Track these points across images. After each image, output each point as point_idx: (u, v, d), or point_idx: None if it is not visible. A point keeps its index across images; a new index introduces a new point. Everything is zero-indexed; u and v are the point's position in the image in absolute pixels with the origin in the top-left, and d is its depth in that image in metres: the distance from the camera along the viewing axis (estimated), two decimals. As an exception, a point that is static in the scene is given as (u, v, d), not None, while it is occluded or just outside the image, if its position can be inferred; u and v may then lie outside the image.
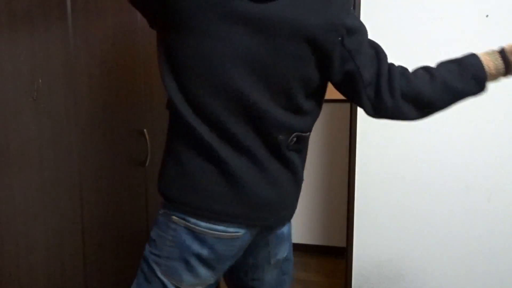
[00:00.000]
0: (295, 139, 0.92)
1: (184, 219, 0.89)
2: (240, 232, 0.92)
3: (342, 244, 2.77)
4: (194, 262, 0.91)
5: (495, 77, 0.93)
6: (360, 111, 1.80)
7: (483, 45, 1.64)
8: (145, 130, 1.46)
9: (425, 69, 0.94)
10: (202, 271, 0.92)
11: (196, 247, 0.90)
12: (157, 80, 1.59)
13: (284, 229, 1.06)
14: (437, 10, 1.67)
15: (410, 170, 1.78)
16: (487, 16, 1.63)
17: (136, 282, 0.98)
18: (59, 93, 1.07)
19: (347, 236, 1.90)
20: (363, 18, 1.71)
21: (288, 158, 0.93)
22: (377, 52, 0.93)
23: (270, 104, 0.87)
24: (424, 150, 1.75)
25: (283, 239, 1.07)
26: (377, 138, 1.79)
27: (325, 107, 2.78)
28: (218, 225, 0.89)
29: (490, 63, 0.92)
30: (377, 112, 0.93)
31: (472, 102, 1.69)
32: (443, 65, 0.94)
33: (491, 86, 1.73)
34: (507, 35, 1.63)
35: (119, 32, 1.33)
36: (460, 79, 0.91)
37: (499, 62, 0.92)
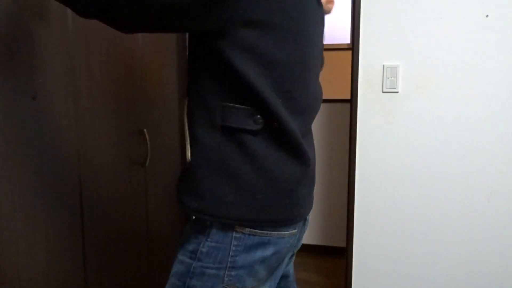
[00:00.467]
0: None
1: (250, 227, 0.85)
2: (297, 228, 0.92)
3: (342, 244, 2.77)
4: (258, 266, 0.88)
5: None
6: (360, 111, 1.80)
7: (483, 45, 1.65)
8: (145, 130, 1.46)
9: None
10: (263, 273, 0.90)
11: (261, 251, 0.87)
12: (157, 80, 1.59)
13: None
14: (437, 10, 1.67)
15: (410, 170, 1.78)
16: (487, 16, 1.63)
17: None
18: (59, 93, 1.07)
19: (347, 236, 1.90)
20: (363, 17, 1.71)
21: None
22: None
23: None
24: (424, 150, 1.75)
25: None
26: (377, 138, 1.79)
27: (325, 107, 2.79)
28: (284, 226, 0.88)
29: None
30: None
31: (472, 103, 1.69)
32: None
33: (492, 84, 1.73)
34: (507, 35, 1.63)
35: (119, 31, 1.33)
36: None
37: None
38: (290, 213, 0.89)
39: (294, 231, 0.91)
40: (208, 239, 0.86)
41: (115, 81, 1.32)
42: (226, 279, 0.87)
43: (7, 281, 0.93)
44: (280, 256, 0.91)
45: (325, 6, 1.03)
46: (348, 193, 1.87)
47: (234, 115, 0.82)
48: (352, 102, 1.81)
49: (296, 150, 0.87)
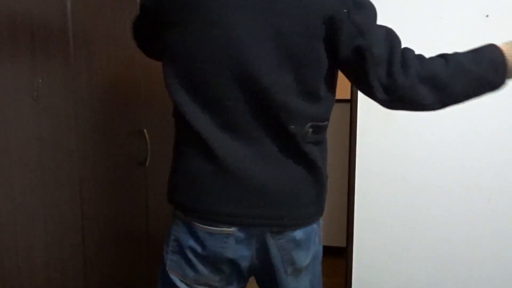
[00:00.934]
0: (311, 129, 0.88)
1: (175, 207, 0.96)
2: (232, 229, 0.89)
3: (342, 244, 2.77)
4: (192, 257, 0.92)
5: None
6: (360, 111, 1.79)
7: (483, 45, 1.65)
8: (145, 130, 1.46)
9: (440, 55, 0.89)
10: (201, 267, 0.92)
11: (192, 242, 0.91)
12: (157, 80, 1.59)
13: (297, 233, 0.93)
14: (437, 10, 1.67)
15: (410, 170, 1.77)
16: (487, 16, 1.63)
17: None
18: (59, 93, 1.07)
19: (347, 236, 1.90)
20: (363, 18, 1.71)
21: (304, 151, 0.89)
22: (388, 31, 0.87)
23: (283, 91, 0.85)
24: (424, 150, 1.75)
25: (297, 244, 0.95)
26: (377, 138, 1.79)
27: (325, 107, 2.78)
28: (208, 222, 0.90)
29: (510, 50, 0.87)
30: (390, 94, 0.85)
31: (472, 102, 1.68)
32: (459, 53, 0.89)
33: (491, 86, 1.72)
34: (507, 35, 1.63)
35: (119, 31, 1.33)
36: (476, 63, 0.86)
37: None
38: (206, 205, 0.89)
39: (225, 229, 0.89)
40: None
41: (115, 81, 1.32)
42: (168, 262, 0.94)
43: (7, 281, 0.93)
44: (216, 256, 0.90)
45: None
46: (348, 193, 1.87)
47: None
48: (352, 102, 1.81)
49: (200, 143, 0.88)
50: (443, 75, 0.84)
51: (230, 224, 0.89)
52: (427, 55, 0.87)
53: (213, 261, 0.92)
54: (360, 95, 1.78)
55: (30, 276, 1.00)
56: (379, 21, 0.89)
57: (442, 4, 1.66)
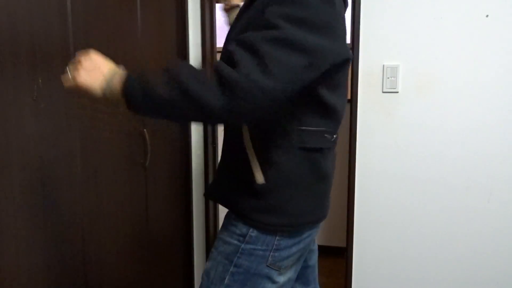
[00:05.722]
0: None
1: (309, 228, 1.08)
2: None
3: (342, 244, 2.77)
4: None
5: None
6: (360, 111, 1.80)
7: (483, 45, 1.65)
8: (145, 130, 1.46)
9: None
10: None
11: (295, 246, 1.03)
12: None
13: None
14: (437, 10, 1.67)
15: (410, 170, 1.77)
16: (487, 16, 1.63)
17: None
18: (59, 93, 1.07)
19: (347, 236, 1.90)
20: (363, 17, 1.71)
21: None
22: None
23: None
24: (424, 150, 1.75)
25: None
26: (377, 138, 1.79)
27: (325, 107, 2.77)
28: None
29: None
30: None
31: (472, 102, 1.69)
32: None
33: (492, 85, 1.73)
34: (507, 35, 1.63)
35: (119, 32, 1.33)
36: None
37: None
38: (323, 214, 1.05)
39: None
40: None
41: (115, 81, 1.32)
42: (282, 263, 0.98)
43: (7, 281, 0.93)
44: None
45: None
46: (348, 193, 1.87)
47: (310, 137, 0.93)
48: (352, 102, 1.81)
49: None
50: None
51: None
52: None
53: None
54: (361, 94, 1.78)
55: (30, 276, 1.00)
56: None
57: (442, 4, 1.66)
